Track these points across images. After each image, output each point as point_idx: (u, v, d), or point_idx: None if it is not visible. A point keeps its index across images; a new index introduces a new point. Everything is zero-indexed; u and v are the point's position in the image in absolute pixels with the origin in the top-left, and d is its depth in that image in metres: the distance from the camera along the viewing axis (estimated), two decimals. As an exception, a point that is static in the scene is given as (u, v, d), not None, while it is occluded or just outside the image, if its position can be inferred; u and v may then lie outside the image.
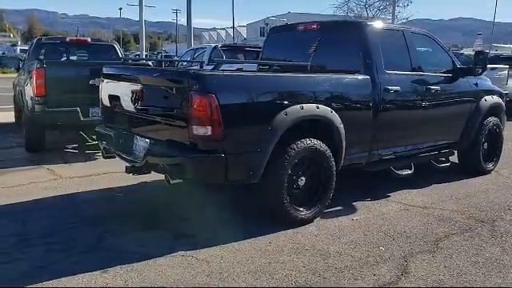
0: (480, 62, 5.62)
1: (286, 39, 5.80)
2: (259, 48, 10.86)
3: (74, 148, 7.82)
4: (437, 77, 5.66)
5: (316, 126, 4.29)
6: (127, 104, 4.39)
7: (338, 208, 4.77)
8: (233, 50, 10.22)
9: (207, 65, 9.68)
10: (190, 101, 3.62)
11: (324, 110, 4.28)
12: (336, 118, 4.37)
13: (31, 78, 6.65)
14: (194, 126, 3.65)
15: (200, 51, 10.61)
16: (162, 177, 5.55)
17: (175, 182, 3.85)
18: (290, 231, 4.11)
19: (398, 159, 5.30)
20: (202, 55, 10.24)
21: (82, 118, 6.68)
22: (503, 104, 6.68)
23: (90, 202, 4.91)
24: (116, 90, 4.60)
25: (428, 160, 5.86)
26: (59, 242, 3.82)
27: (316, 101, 4.26)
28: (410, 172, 5.43)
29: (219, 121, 3.64)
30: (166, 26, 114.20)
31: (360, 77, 4.75)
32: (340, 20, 5.80)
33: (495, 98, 6.46)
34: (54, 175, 5.93)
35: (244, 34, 69.07)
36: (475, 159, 6.32)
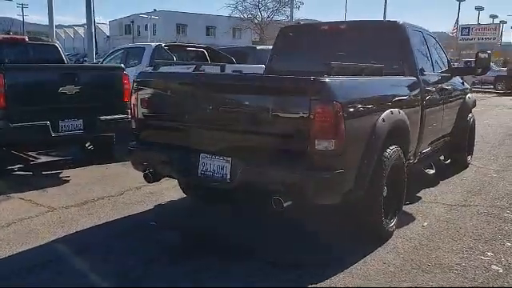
0: (481, 62, 5.86)
1: (303, 40, 5.44)
2: (203, 47, 10.26)
3: (21, 169, 6.50)
4: (445, 76, 5.80)
5: (395, 132, 4.05)
6: (194, 116, 3.69)
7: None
8: (175, 50, 9.38)
9: (148, 67, 8.78)
10: (312, 111, 3.13)
11: (403, 114, 4.07)
12: (408, 121, 4.20)
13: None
14: (316, 140, 3.16)
15: (135, 51, 9.55)
16: (173, 197, 4.97)
17: (287, 204, 3.27)
18: (385, 247, 3.82)
19: (428, 157, 5.32)
20: (138, 56, 9.21)
21: (52, 134, 5.52)
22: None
23: (130, 236, 4.03)
24: (171, 99, 3.85)
25: (438, 157, 6.01)
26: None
27: (395, 105, 4.03)
28: (434, 171, 5.49)
29: (342, 133, 3.21)
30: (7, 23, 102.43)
31: (412, 78, 4.63)
32: (375, 20, 5.62)
33: (473, 96, 6.89)
34: (42, 206, 4.79)
35: (106, 31, 65.42)
36: (462, 154, 6.65)
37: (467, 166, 6.81)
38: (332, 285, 3.18)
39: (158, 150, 3.91)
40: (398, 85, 4.26)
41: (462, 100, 6.42)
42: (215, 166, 3.60)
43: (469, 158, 6.94)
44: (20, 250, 3.71)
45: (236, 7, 33.16)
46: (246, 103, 3.46)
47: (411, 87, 4.55)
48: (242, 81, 3.59)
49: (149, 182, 4.01)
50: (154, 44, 9.15)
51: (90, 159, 6.81)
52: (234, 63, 9.16)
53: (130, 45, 10.76)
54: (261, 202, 3.56)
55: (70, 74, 5.70)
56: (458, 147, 6.51)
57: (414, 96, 4.56)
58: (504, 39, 54.67)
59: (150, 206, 4.86)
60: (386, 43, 4.88)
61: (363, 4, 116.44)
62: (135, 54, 9.44)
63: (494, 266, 3.52)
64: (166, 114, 3.93)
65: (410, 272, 3.40)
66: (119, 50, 10.39)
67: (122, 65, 6.35)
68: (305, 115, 3.17)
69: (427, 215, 4.67)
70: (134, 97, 4.02)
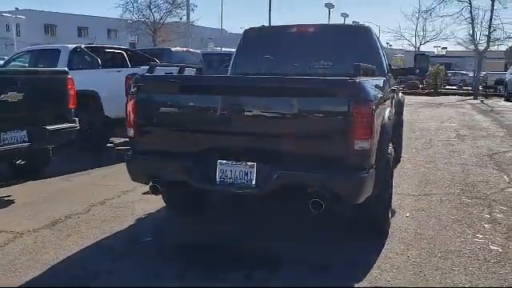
0: (419, 62, 6.35)
1: (270, 43, 5.42)
2: (122, 49, 9.65)
3: None
4: (391, 76, 6.21)
5: (394, 130, 4.25)
6: (211, 121, 3.50)
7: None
8: (94, 52, 8.65)
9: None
10: (351, 111, 3.16)
11: (393, 112, 4.30)
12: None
13: None
14: (355, 140, 3.19)
15: (47, 54, 8.61)
16: (147, 209, 4.68)
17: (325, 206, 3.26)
18: (392, 239, 4.00)
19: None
20: (51, 60, 8.31)
21: (-3, 148, 4.79)
22: (402, 99, 7.77)
23: (135, 255, 3.68)
24: (179, 104, 3.60)
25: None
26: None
27: (388, 104, 4.24)
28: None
29: (375, 132, 3.30)
30: None
31: (384, 78, 4.88)
32: (344, 24, 5.70)
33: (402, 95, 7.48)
34: (4, 232, 4.13)
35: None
36: (399, 149, 7.17)
37: (400, 159, 7.37)
38: (374, 283, 3.25)
39: (165, 159, 3.62)
40: (384, 85, 4.48)
41: (398, 97, 6.92)
42: (237, 172, 3.45)
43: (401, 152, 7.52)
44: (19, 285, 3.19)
45: (126, 8, 31.86)
46: (274, 106, 3.36)
47: (386, 87, 4.81)
48: (270, 83, 3.47)
49: (156, 194, 3.70)
50: (71, 46, 8.37)
51: (21, 175, 6.05)
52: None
53: (39, 46, 9.64)
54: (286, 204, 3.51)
55: (12, 79, 5.00)
56: (398, 141, 7.01)
57: (389, 95, 4.83)
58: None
59: (130, 222, 4.49)
60: (356, 46, 5.10)
61: (244, 9, 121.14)
62: (48, 57, 8.52)
63: (492, 247, 3.88)
64: (173, 119, 3.65)
65: (431, 260, 3.60)
66: (23, 52, 9.34)
67: (66, 68, 5.73)
68: (342, 116, 3.19)
69: (402, 206, 4.97)
70: (131, 102, 3.67)
